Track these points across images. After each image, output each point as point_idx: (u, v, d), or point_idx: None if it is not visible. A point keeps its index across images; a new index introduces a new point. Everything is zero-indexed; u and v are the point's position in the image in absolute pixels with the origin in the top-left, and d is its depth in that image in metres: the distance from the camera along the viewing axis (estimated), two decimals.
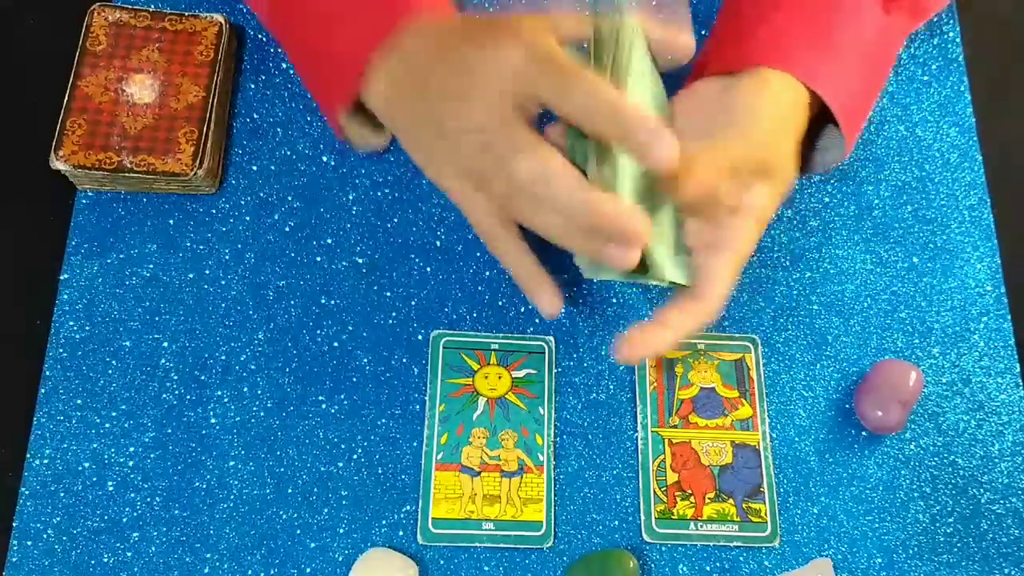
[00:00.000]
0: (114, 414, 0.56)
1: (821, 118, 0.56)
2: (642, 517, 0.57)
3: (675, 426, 0.59)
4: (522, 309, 0.61)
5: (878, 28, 0.57)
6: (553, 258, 0.62)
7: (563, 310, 0.53)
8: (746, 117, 0.52)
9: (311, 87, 0.59)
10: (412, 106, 0.51)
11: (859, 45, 0.56)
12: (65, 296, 0.58)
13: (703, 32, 0.63)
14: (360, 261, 0.61)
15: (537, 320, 0.61)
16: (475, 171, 0.49)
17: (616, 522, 0.57)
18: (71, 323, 0.58)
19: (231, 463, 0.56)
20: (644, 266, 0.51)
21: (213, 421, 0.57)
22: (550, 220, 0.48)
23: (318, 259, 0.61)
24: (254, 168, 0.62)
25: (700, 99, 0.55)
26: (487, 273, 0.62)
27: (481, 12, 0.67)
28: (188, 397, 0.57)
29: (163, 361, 0.58)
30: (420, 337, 0.60)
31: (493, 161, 0.48)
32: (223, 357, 0.58)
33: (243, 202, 0.62)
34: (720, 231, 0.52)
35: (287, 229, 0.61)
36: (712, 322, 0.52)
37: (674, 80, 0.58)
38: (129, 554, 0.54)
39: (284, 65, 0.65)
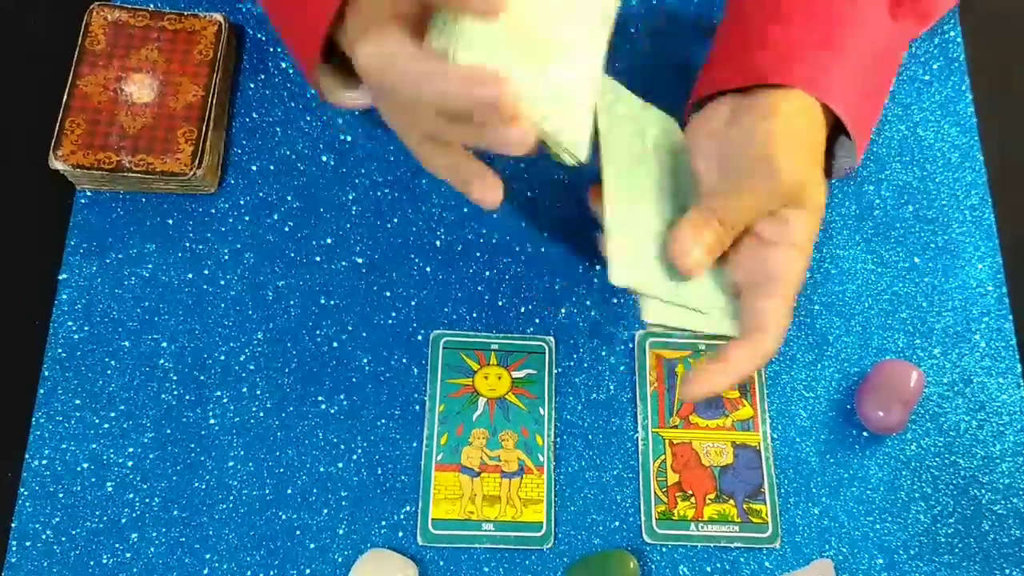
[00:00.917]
0: (113, 414, 0.56)
1: (832, 126, 0.56)
2: (642, 518, 0.57)
3: (676, 426, 0.59)
4: (522, 309, 0.61)
5: (885, 35, 0.56)
6: (552, 259, 0.62)
7: (500, 206, 0.48)
8: (765, 152, 0.50)
9: (283, 35, 0.56)
10: None
11: (867, 52, 0.55)
12: (64, 296, 0.58)
13: (706, 40, 0.63)
14: (360, 261, 0.61)
15: (537, 320, 0.61)
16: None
17: (616, 523, 0.57)
18: (70, 323, 0.58)
19: (230, 464, 0.56)
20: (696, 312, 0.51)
21: (212, 421, 0.56)
22: (429, 122, 0.45)
23: (317, 259, 0.61)
24: (253, 168, 0.62)
25: (714, 137, 0.53)
26: (487, 273, 0.61)
27: None
28: (187, 397, 0.57)
29: (162, 361, 0.57)
30: (420, 337, 0.59)
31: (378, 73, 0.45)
32: (222, 357, 0.58)
33: (242, 202, 0.61)
34: (766, 268, 0.51)
35: (286, 229, 0.61)
36: (773, 358, 0.52)
37: (674, 83, 0.58)
38: (128, 555, 0.54)
39: (284, 65, 0.65)
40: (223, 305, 0.59)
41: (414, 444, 0.57)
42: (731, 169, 0.51)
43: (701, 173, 0.52)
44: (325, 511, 0.55)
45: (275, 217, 0.61)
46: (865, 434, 0.60)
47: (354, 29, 0.48)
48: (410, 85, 0.43)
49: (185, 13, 0.62)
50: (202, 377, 0.57)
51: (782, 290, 0.51)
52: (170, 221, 0.60)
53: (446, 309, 0.60)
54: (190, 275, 0.59)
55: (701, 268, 0.50)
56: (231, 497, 0.55)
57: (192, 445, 0.56)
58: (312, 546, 0.55)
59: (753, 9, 0.56)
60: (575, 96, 0.48)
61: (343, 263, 0.61)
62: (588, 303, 0.61)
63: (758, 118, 0.51)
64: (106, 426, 0.56)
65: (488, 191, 0.47)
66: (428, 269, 0.61)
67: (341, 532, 0.55)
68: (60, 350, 0.57)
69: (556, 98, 0.47)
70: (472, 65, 0.43)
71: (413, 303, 0.60)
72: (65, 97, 0.59)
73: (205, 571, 0.54)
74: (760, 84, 0.52)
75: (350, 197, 0.62)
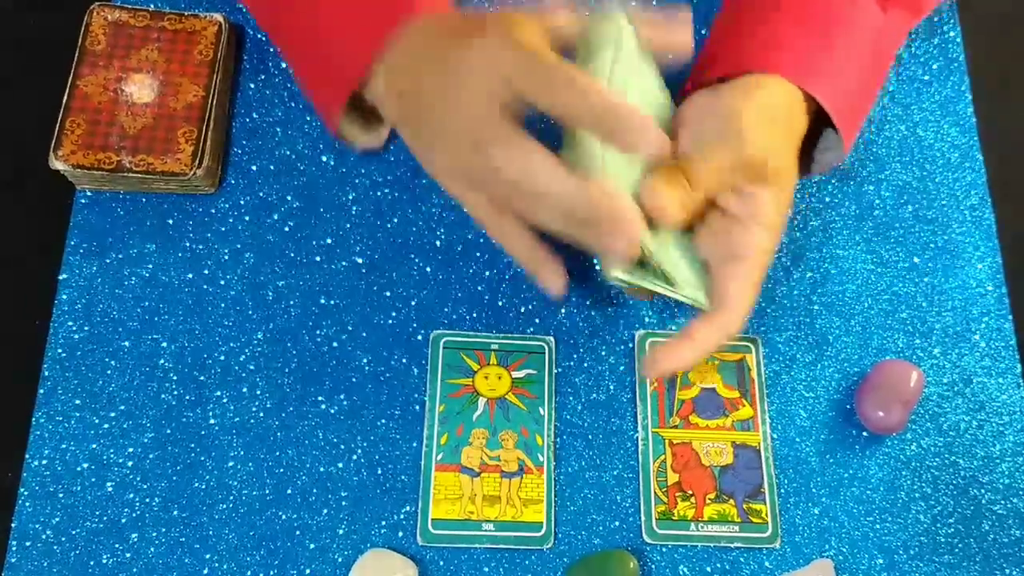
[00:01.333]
0: (113, 414, 0.56)
1: (823, 119, 0.56)
2: (642, 518, 0.57)
3: (676, 426, 0.59)
4: (522, 309, 0.61)
5: (875, 26, 0.57)
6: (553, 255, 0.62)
7: (564, 298, 0.53)
8: (734, 124, 0.51)
9: (308, 85, 0.58)
10: (409, 105, 0.51)
11: (855, 44, 0.56)
12: (64, 296, 0.58)
13: (703, 32, 0.63)
14: (360, 261, 0.61)
15: (537, 320, 0.61)
16: (469, 170, 0.49)
17: (616, 523, 0.57)
18: (70, 323, 0.58)
19: (230, 464, 0.56)
20: (665, 278, 0.51)
21: (212, 421, 0.56)
22: (546, 214, 0.48)
23: (318, 259, 0.61)
24: (253, 168, 0.62)
25: (695, 109, 0.54)
26: (487, 273, 0.61)
27: (479, 9, 0.67)
28: (187, 397, 0.57)
29: (162, 361, 0.57)
30: (420, 337, 0.60)
31: (483, 160, 0.48)
32: (222, 357, 0.58)
33: (242, 202, 0.62)
34: (731, 243, 0.52)
35: (286, 229, 0.61)
36: (737, 335, 0.52)
37: (674, 81, 0.58)
38: (128, 555, 0.54)
39: (284, 65, 0.65)
40: (223, 305, 0.59)
41: (414, 444, 0.57)
42: (702, 134, 0.52)
43: (679, 144, 0.53)
44: (325, 511, 0.55)
45: (275, 217, 0.61)
46: (865, 434, 0.60)
47: (386, 88, 0.51)
48: (551, 199, 0.47)
49: (185, 13, 0.62)
50: (202, 377, 0.57)
51: (747, 268, 0.52)
52: (170, 221, 0.61)
53: (446, 309, 0.60)
54: (190, 275, 0.59)
55: (674, 221, 0.50)
56: (231, 497, 0.55)
57: (192, 445, 0.56)
58: (312, 546, 0.55)
59: (744, 3, 0.58)
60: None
61: (343, 263, 0.61)
62: (588, 303, 0.61)
63: (736, 96, 0.52)
64: (106, 426, 0.56)
65: (559, 283, 0.52)
66: (428, 269, 0.61)
67: (341, 532, 0.55)
68: (60, 350, 0.57)
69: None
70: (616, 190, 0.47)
71: (413, 303, 0.60)
72: (65, 97, 0.59)
73: (205, 571, 0.54)
74: (746, 72, 0.53)
75: (350, 197, 0.62)
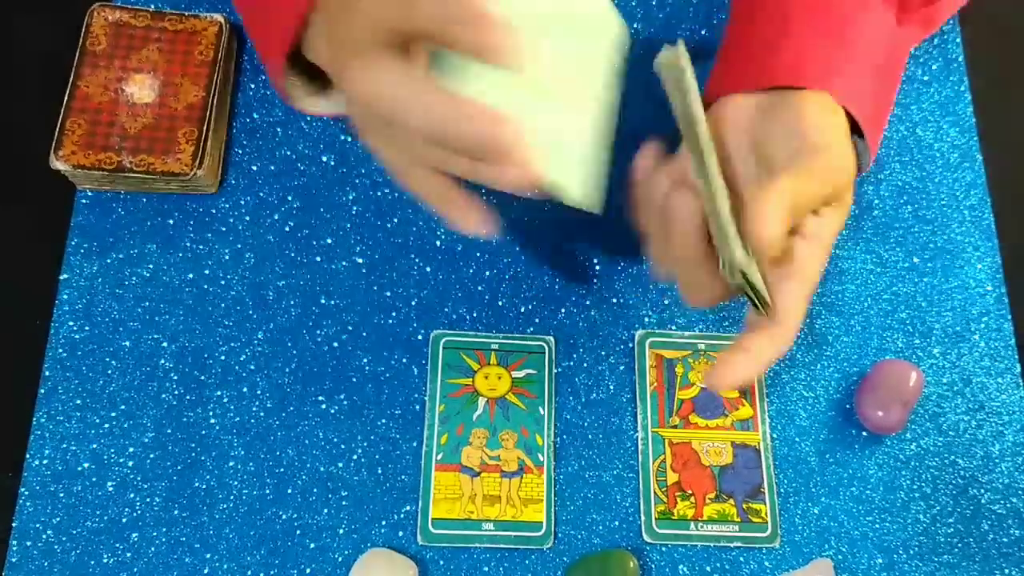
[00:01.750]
0: (114, 414, 0.56)
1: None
2: (642, 517, 0.57)
3: (675, 426, 0.59)
4: (522, 309, 0.61)
5: (892, 40, 0.56)
6: (552, 259, 0.62)
7: (494, 233, 0.48)
8: (807, 144, 0.50)
9: (253, 38, 0.56)
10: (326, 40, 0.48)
11: (875, 57, 0.55)
12: (65, 296, 0.58)
13: (703, 32, 0.63)
14: (360, 261, 0.61)
15: (537, 320, 0.61)
16: (346, 99, 0.47)
17: (616, 522, 0.57)
18: (71, 323, 0.58)
19: (231, 463, 0.56)
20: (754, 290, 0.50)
21: (213, 421, 0.57)
22: (420, 147, 0.45)
23: (318, 259, 0.61)
24: (254, 168, 0.62)
25: (741, 122, 0.52)
26: (487, 273, 0.62)
27: None
28: (188, 397, 0.57)
29: (163, 361, 0.57)
30: (420, 337, 0.60)
31: (345, 85, 0.45)
32: (223, 357, 0.58)
33: (243, 202, 0.62)
34: (793, 261, 0.50)
35: (287, 229, 0.61)
36: (789, 349, 0.51)
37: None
38: (129, 554, 0.54)
39: None
40: (224, 305, 0.59)
41: (414, 444, 0.57)
42: (772, 155, 0.50)
43: (737, 168, 0.51)
44: (325, 511, 0.55)
45: (275, 217, 0.61)
46: (864, 434, 0.60)
47: (322, 43, 0.48)
48: (413, 115, 0.42)
49: (186, 14, 0.63)
50: (203, 377, 0.57)
51: (801, 283, 0.50)
52: (171, 221, 0.61)
53: (446, 309, 0.60)
54: (191, 275, 0.59)
55: (776, 248, 0.48)
56: (231, 497, 0.55)
57: (192, 445, 0.56)
58: (312, 546, 0.55)
59: (762, 11, 0.56)
60: (580, 149, 0.48)
61: (343, 263, 0.61)
62: (588, 303, 0.61)
63: (796, 114, 0.50)
64: (107, 426, 0.56)
65: (477, 220, 0.47)
66: (428, 269, 0.61)
67: (341, 532, 0.55)
68: (61, 350, 0.57)
69: (559, 149, 0.47)
70: (482, 102, 0.42)
71: (413, 303, 0.60)
72: (66, 98, 0.59)
73: (205, 570, 0.54)
74: (775, 87, 0.52)
75: (350, 197, 0.62)
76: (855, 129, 0.53)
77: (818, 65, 0.52)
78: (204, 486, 0.55)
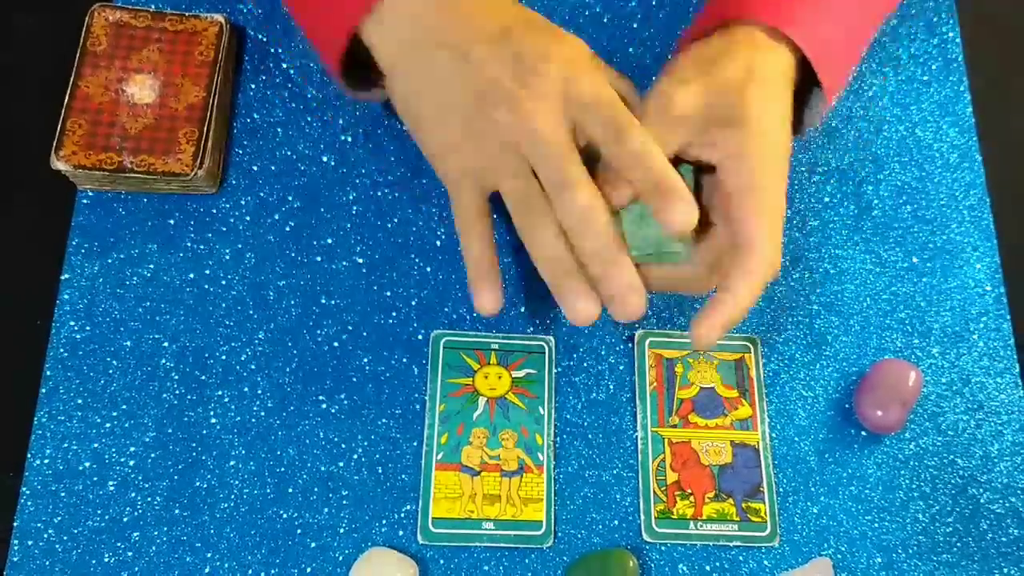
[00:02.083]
0: (115, 414, 0.56)
1: (809, 78, 0.55)
2: (642, 517, 0.57)
3: (675, 426, 0.59)
4: (522, 309, 0.61)
5: None
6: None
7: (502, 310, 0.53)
8: (699, 69, 0.50)
9: (307, 29, 0.57)
10: (431, 76, 0.50)
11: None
12: (66, 296, 0.58)
13: None
14: (360, 261, 0.61)
15: (537, 320, 0.61)
16: (491, 168, 0.50)
17: (616, 522, 0.57)
18: (72, 323, 0.58)
19: (231, 463, 0.56)
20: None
21: (213, 421, 0.57)
22: (547, 245, 0.49)
23: (318, 259, 0.61)
24: (254, 168, 0.63)
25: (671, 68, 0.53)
26: None
27: None
28: (189, 397, 0.57)
29: (163, 361, 0.58)
30: (420, 337, 0.60)
31: (517, 163, 0.49)
32: (223, 357, 0.58)
33: (243, 202, 0.62)
34: (724, 183, 0.51)
35: (287, 229, 0.61)
36: (775, 275, 0.50)
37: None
38: (130, 554, 0.54)
39: (284, 65, 0.65)
40: (224, 305, 0.59)
41: (414, 443, 0.57)
42: (674, 71, 0.51)
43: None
44: (326, 510, 0.56)
45: (276, 217, 0.62)
46: (864, 433, 0.60)
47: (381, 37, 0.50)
48: (586, 250, 0.48)
49: (186, 14, 0.63)
50: (203, 376, 0.58)
51: (754, 202, 0.50)
52: (171, 221, 0.61)
53: (446, 309, 0.61)
54: (191, 275, 0.60)
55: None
56: (232, 496, 0.55)
57: (193, 444, 0.56)
58: (313, 545, 0.55)
59: None
60: None
61: (344, 263, 0.61)
62: None
63: (705, 44, 0.52)
64: (108, 425, 0.56)
65: (494, 303, 0.52)
66: (428, 269, 0.61)
67: (342, 531, 0.55)
68: (62, 350, 0.57)
69: None
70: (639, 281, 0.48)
71: (413, 303, 0.60)
72: (67, 98, 0.59)
73: (206, 570, 0.54)
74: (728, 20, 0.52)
75: (350, 197, 0.62)
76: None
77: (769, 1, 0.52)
78: (205, 485, 0.55)
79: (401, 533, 0.56)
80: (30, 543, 0.53)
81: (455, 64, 0.50)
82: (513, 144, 0.49)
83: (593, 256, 0.48)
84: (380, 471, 0.57)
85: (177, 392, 0.57)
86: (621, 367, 0.60)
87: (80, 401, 0.56)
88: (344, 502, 0.56)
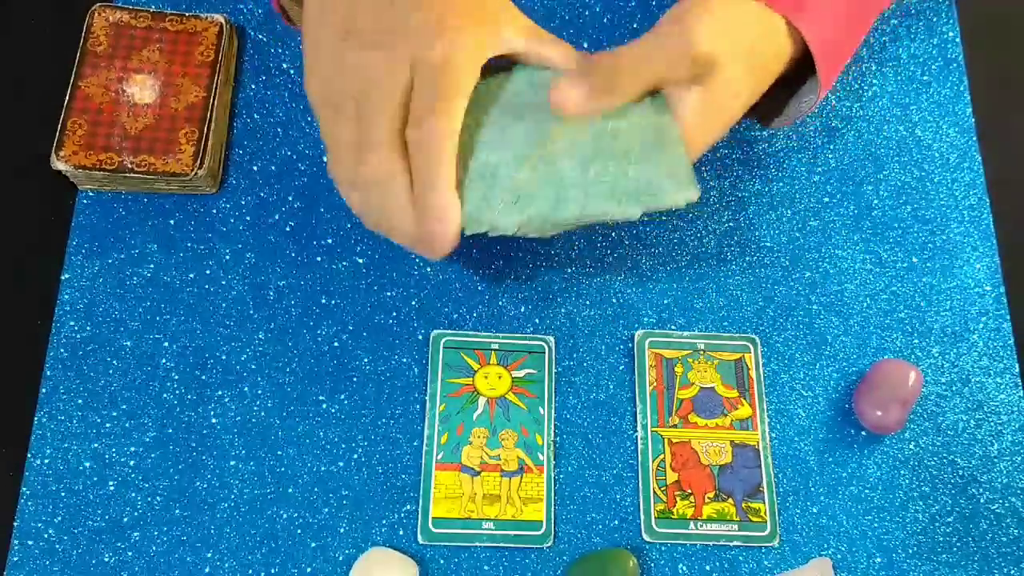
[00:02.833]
0: (115, 414, 0.56)
1: (804, 70, 0.55)
2: (642, 516, 0.57)
3: (675, 426, 0.59)
4: (522, 309, 0.61)
5: None
6: (552, 259, 0.62)
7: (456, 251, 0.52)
8: (681, 20, 0.49)
9: None
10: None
11: None
12: (66, 296, 0.58)
13: None
14: (360, 261, 0.61)
15: (537, 320, 0.61)
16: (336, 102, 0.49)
17: (616, 521, 0.57)
18: (72, 323, 0.58)
19: (232, 463, 0.56)
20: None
21: (214, 421, 0.57)
22: (373, 211, 0.50)
23: (318, 259, 0.61)
24: (255, 168, 0.63)
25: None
26: (487, 273, 0.62)
27: None
28: (189, 397, 0.57)
29: (164, 361, 0.58)
30: (420, 337, 0.60)
31: (351, 156, 0.48)
32: (224, 357, 0.58)
33: (243, 202, 0.62)
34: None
35: (287, 229, 0.61)
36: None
37: None
38: (130, 554, 0.54)
39: (284, 65, 0.65)
40: (224, 305, 0.59)
41: (414, 443, 0.57)
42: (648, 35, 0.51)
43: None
44: (326, 510, 0.56)
45: (276, 217, 0.62)
46: (863, 433, 0.60)
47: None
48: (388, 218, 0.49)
49: (186, 14, 0.63)
50: (203, 376, 0.58)
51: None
52: (172, 221, 0.61)
53: (446, 309, 0.61)
54: (192, 275, 0.60)
55: (581, 108, 0.49)
56: (232, 496, 0.55)
57: (193, 444, 0.56)
58: (313, 545, 0.55)
59: None
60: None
61: (344, 263, 0.61)
62: (588, 303, 0.62)
63: (692, 6, 0.50)
64: (108, 425, 0.56)
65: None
66: (428, 269, 0.61)
67: (342, 531, 0.55)
68: (62, 350, 0.57)
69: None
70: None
71: (413, 303, 0.60)
72: (67, 98, 0.59)
73: (207, 570, 0.54)
74: None
75: None
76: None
77: None
78: (205, 485, 0.55)
79: (401, 533, 0.56)
80: (30, 543, 0.54)
81: None
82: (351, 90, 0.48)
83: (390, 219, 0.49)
84: (380, 471, 0.57)
85: (177, 392, 0.57)
86: (621, 367, 0.60)
87: (80, 401, 0.56)
88: (344, 502, 0.56)
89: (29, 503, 0.54)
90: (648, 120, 0.50)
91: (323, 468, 0.56)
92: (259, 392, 0.58)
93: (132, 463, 0.55)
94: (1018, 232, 0.66)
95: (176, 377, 0.57)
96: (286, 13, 0.58)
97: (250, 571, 0.54)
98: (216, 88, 0.61)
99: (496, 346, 0.60)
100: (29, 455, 0.55)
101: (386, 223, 0.49)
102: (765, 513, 0.57)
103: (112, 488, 0.55)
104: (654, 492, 0.57)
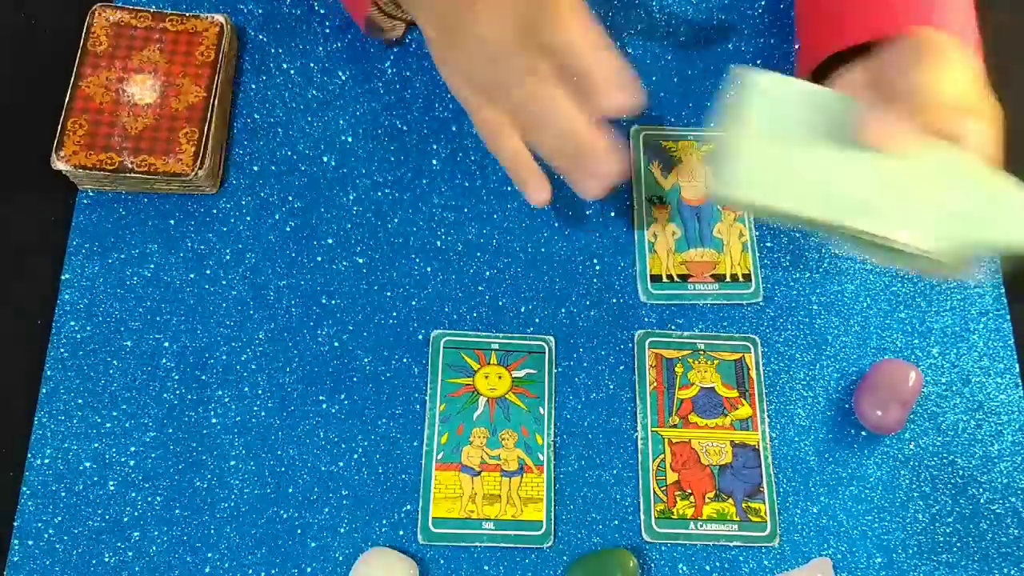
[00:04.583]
0: (115, 414, 0.56)
1: None
2: (642, 517, 0.57)
3: (675, 426, 0.59)
4: (522, 309, 0.61)
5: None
6: (552, 259, 0.62)
7: (550, 201, 0.56)
8: (941, 72, 0.50)
9: None
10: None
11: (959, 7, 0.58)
12: (66, 296, 0.58)
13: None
14: (361, 261, 0.61)
15: (537, 320, 0.61)
16: (484, 81, 0.53)
17: (616, 522, 0.57)
18: (72, 323, 0.58)
19: (232, 463, 0.56)
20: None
21: (214, 421, 0.57)
22: (545, 138, 0.52)
23: (319, 259, 0.61)
24: (255, 168, 0.63)
25: (883, 67, 0.52)
26: (487, 273, 0.62)
27: None
28: (189, 397, 0.57)
29: (164, 361, 0.58)
30: (420, 337, 0.60)
31: (500, 76, 0.51)
32: (224, 357, 0.58)
33: (244, 202, 0.62)
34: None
35: (288, 229, 0.61)
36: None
37: (712, 82, 0.58)
38: (130, 553, 0.54)
39: (284, 65, 0.65)
40: (225, 305, 0.59)
41: (415, 443, 0.57)
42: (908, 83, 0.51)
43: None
44: (326, 510, 0.56)
45: (276, 217, 0.62)
46: (864, 433, 0.60)
47: None
48: (557, 129, 0.51)
49: (187, 14, 0.63)
50: (204, 376, 0.58)
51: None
52: (172, 221, 0.61)
53: (446, 309, 0.61)
54: (192, 275, 0.60)
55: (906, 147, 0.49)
56: (232, 496, 0.55)
57: (194, 444, 0.56)
58: (313, 545, 0.55)
59: None
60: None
61: (344, 263, 0.61)
62: (588, 303, 0.62)
63: (928, 49, 0.51)
64: (108, 425, 0.56)
65: (543, 192, 0.55)
66: (428, 269, 0.61)
67: (342, 531, 0.55)
68: (62, 350, 0.57)
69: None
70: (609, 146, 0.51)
71: (413, 303, 0.60)
72: (67, 98, 0.59)
73: (207, 570, 0.54)
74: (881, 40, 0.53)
75: (351, 197, 0.62)
76: None
77: (918, 9, 0.54)
78: (205, 485, 0.55)
79: (401, 533, 0.56)
80: (30, 543, 0.54)
81: None
82: (478, 51, 0.52)
83: (559, 130, 0.52)
84: (380, 471, 0.57)
85: (177, 392, 0.57)
86: (621, 367, 0.60)
87: (80, 401, 0.56)
88: (344, 502, 0.56)
89: (29, 503, 0.54)
90: (952, 155, 0.51)
91: (323, 468, 0.56)
92: (259, 392, 0.58)
93: (132, 463, 0.56)
94: None
95: (176, 377, 0.57)
96: (370, 23, 0.62)
97: (250, 571, 0.54)
98: (216, 88, 0.61)
99: (496, 346, 0.60)
100: (29, 455, 0.55)
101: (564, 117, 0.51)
102: (765, 513, 0.57)
103: (112, 488, 0.55)
104: (654, 492, 0.57)
